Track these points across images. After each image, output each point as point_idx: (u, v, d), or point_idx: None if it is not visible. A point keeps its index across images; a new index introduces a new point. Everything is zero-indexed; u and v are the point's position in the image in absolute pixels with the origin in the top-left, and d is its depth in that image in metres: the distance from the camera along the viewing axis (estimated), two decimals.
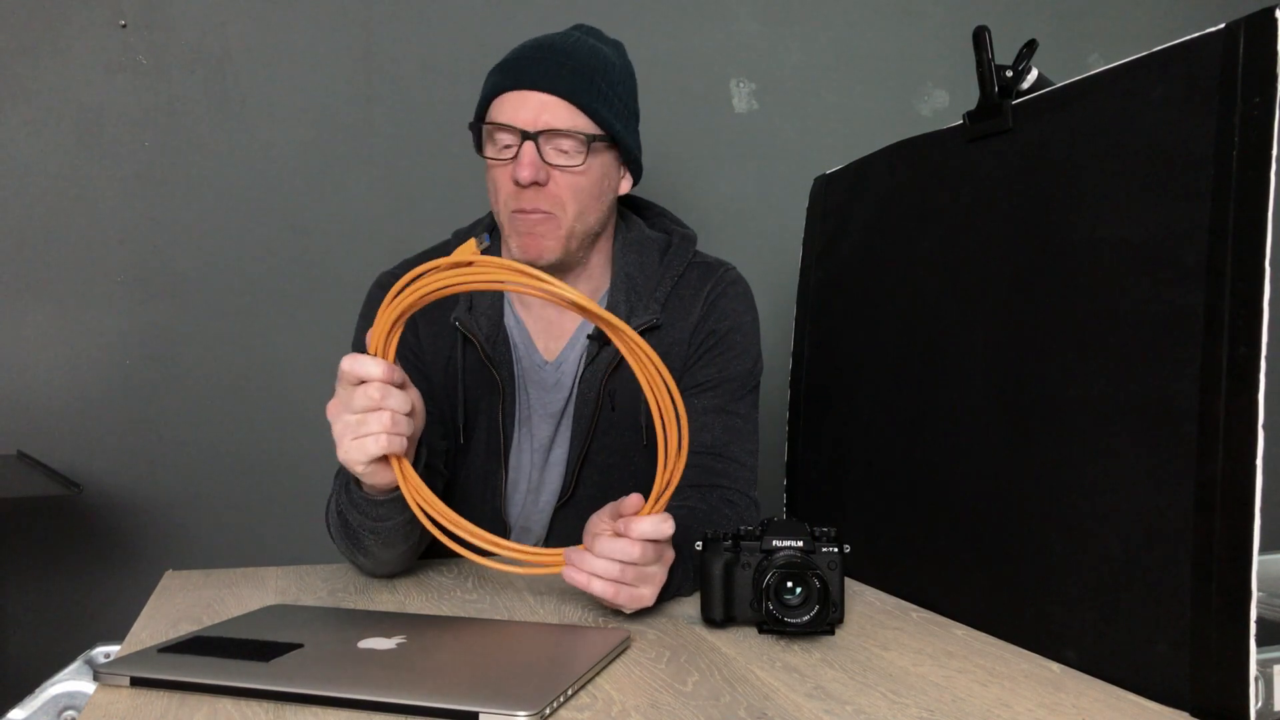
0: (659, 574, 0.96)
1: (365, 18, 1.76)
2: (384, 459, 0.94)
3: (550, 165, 1.12)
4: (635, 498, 0.93)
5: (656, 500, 0.92)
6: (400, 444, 0.93)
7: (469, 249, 0.84)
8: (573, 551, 0.95)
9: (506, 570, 1.03)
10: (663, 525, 0.92)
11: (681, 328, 1.23)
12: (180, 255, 1.69)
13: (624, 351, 0.85)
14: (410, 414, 0.94)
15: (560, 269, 1.19)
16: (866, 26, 2.01)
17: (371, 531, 1.04)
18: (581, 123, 1.13)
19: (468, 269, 0.83)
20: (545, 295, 0.82)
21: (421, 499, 0.96)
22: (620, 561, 0.92)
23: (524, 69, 1.13)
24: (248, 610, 0.97)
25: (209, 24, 1.70)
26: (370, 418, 0.91)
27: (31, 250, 1.63)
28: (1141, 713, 0.75)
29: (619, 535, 0.92)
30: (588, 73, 1.13)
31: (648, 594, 0.95)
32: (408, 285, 0.86)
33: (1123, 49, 1.28)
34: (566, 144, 1.13)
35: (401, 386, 0.93)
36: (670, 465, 0.90)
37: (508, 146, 1.13)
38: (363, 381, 0.90)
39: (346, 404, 0.91)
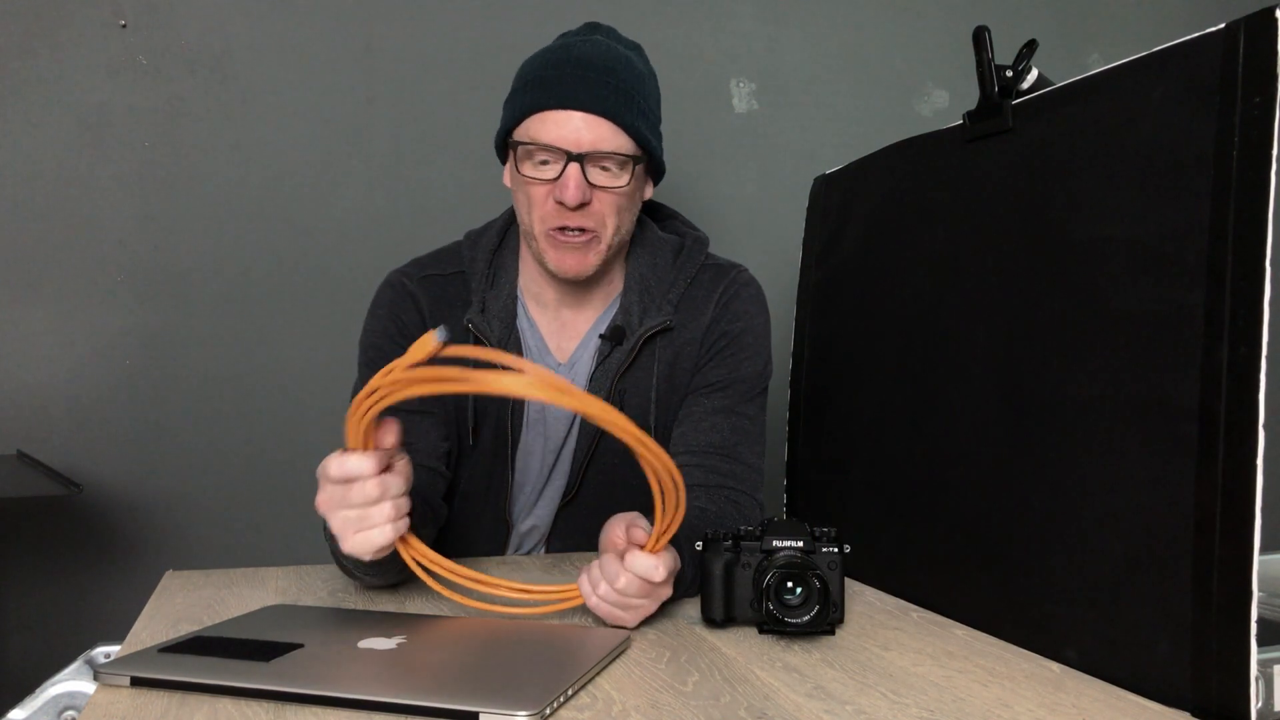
0: (648, 606, 0.94)
1: (365, 17, 1.76)
2: None
3: (594, 186, 1.11)
4: (641, 534, 0.91)
5: (657, 540, 0.90)
6: (405, 524, 0.90)
7: (427, 343, 0.78)
8: (584, 578, 0.94)
9: (527, 614, 1.00)
10: (653, 573, 0.89)
11: (694, 329, 1.23)
12: (180, 255, 1.69)
13: (604, 425, 0.79)
14: (406, 491, 0.90)
15: (589, 277, 1.19)
16: (866, 26, 2.01)
17: (368, 575, 1.03)
18: (624, 142, 1.12)
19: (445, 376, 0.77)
20: (529, 398, 0.76)
21: (426, 560, 0.95)
22: (610, 587, 0.90)
23: (567, 87, 1.11)
24: (248, 610, 0.97)
25: (209, 24, 1.70)
26: (372, 511, 0.87)
27: (31, 250, 1.63)
28: (1142, 713, 0.75)
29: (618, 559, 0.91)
30: (628, 91, 1.12)
31: (630, 619, 0.93)
32: (378, 388, 0.81)
33: (1123, 49, 1.28)
34: (609, 163, 1.12)
35: (389, 468, 0.88)
36: (669, 516, 0.87)
37: (546, 164, 1.12)
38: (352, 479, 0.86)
39: (342, 500, 0.87)
